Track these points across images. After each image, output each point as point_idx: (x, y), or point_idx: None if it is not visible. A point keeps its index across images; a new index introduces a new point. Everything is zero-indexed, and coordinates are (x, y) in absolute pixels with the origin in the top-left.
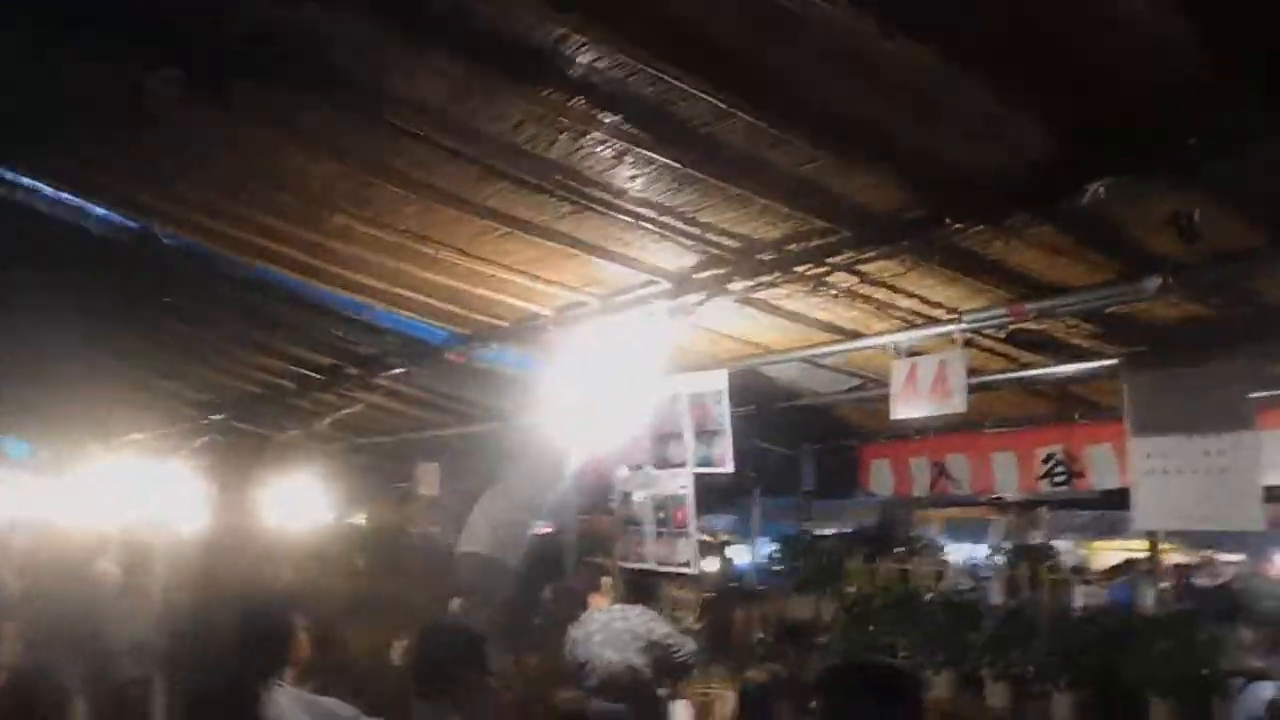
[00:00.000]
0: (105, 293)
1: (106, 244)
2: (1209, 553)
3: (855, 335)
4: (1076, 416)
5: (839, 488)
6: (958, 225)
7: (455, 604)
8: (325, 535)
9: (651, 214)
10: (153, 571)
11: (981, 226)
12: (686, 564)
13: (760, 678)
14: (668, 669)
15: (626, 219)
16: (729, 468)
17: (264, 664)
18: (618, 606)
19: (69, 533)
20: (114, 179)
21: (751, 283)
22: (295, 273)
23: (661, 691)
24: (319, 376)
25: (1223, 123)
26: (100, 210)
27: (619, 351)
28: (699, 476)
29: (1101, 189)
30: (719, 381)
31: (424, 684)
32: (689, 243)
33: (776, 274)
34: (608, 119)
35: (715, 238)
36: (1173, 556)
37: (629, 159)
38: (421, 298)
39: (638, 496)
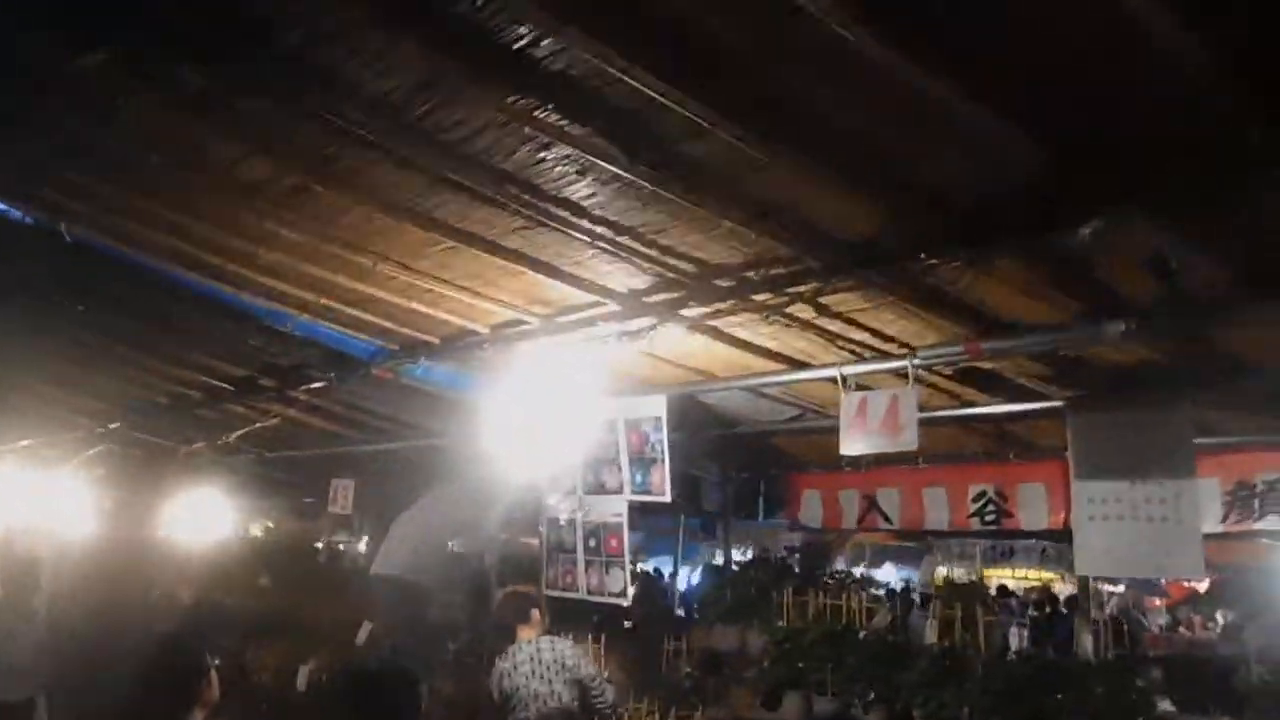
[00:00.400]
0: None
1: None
2: (1094, 583)
3: (802, 365)
4: (1011, 455)
5: (750, 511)
6: (933, 260)
7: (366, 627)
8: (228, 551)
9: (609, 233)
10: (38, 587)
11: (959, 261)
12: (620, 594)
13: None
14: (587, 710)
15: (582, 237)
16: (667, 496)
17: (171, 707)
18: (545, 638)
19: None
20: (12, 167)
21: (708, 309)
22: (211, 279)
23: None
24: (229, 387)
25: (1238, 145)
26: None
27: (556, 373)
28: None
29: (1089, 231)
30: (658, 407)
31: None
32: (644, 264)
33: (734, 301)
34: (577, 130)
35: (673, 260)
36: (1061, 585)
37: (594, 174)
38: (350, 310)
39: (568, 522)
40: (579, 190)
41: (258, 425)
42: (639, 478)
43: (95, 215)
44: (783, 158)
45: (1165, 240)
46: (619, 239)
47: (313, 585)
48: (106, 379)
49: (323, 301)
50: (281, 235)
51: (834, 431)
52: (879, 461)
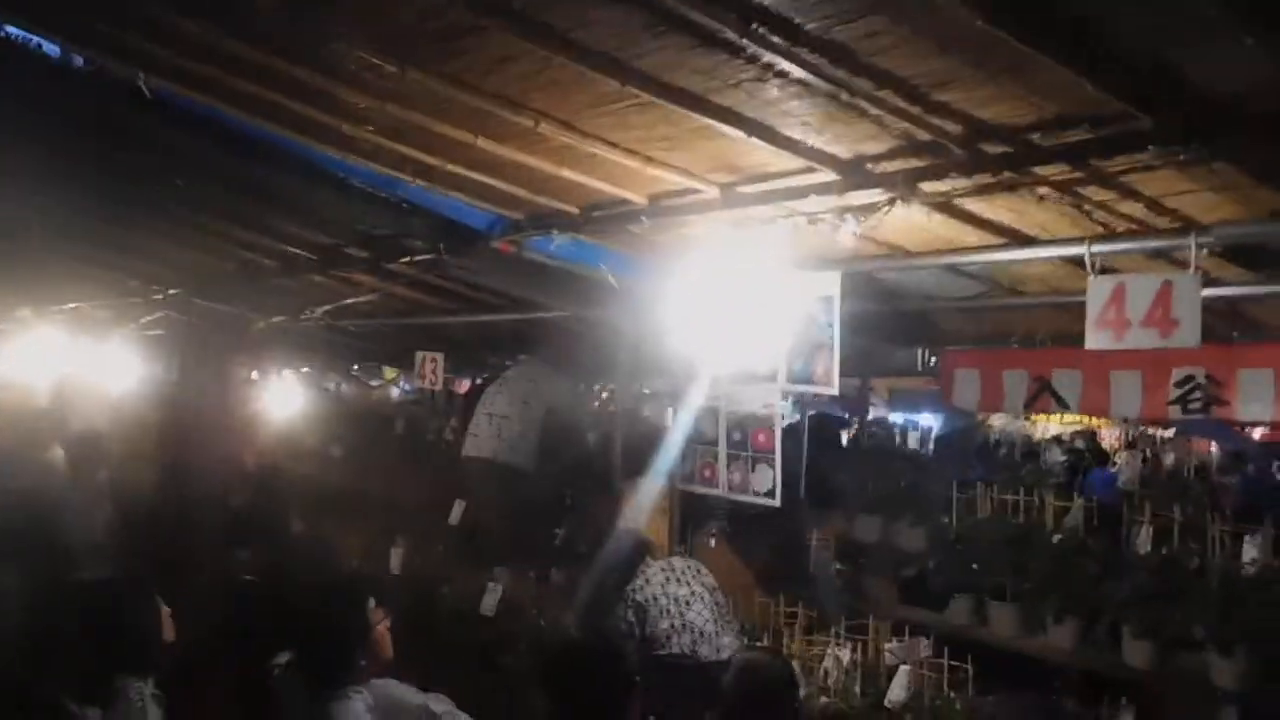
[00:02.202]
0: (46, 143)
1: (66, 86)
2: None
3: (1029, 241)
4: (1235, 335)
5: None
6: None
7: (459, 506)
8: (297, 421)
9: (867, 85)
10: (103, 460)
11: None
12: (768, 494)
13: None
14: None
15: (831, 89)
16: (833, 388)
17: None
18: (675, 556)
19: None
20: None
21: (969, 182)
22: (322, 143)
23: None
24: (311, 257)
25: None
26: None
27: (715, 246)
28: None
29: None
30: (830, 285)
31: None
32: (894, 123)
33: (1007, 173)
34: None
35: (936, 120)
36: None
37: (892, 11)
38: (477, 175)
39: (708, 411)
40: (857, 30)
41: (349, 301)
42: (798, 365)
43: (174, 61)
44: None
45: None
46: (878, 93)
47: (392, 459)
48: (164, 242)
49: (448, 167)
50: (424, 86)
51: (1011, 310)
52: (1058, 339)
